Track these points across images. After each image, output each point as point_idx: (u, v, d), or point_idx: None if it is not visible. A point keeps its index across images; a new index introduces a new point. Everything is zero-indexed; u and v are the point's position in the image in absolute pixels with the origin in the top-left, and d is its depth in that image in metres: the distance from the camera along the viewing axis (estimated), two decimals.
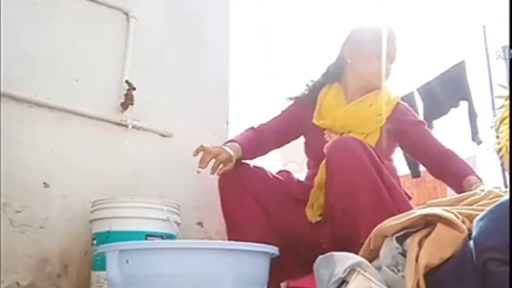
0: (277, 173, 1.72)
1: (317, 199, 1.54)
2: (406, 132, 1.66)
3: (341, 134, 1.64)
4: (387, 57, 1.65)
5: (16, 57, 1.69)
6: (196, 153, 1.54)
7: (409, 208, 1.32)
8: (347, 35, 1.76)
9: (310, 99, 1.77)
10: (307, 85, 1.81)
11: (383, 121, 1.63)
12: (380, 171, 1.37)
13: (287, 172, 1.74)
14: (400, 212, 1.15)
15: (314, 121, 1.71)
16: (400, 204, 1.34)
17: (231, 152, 1.54)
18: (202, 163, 1.52)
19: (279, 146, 1.83)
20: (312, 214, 1.54)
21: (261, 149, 1.74)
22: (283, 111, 1.82)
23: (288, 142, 1.83)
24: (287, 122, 1.78)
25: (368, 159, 1.36)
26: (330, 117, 1.68)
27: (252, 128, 1.77)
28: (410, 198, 1.51)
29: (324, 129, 1.68)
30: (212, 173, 1.53)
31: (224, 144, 1.64)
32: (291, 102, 1.82)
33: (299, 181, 1.68)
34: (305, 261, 1.23)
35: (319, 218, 1.53)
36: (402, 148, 1.73)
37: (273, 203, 1.61)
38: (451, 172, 1.53)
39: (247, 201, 1.58)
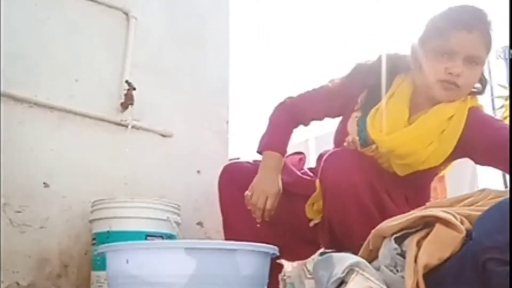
0: (289, 156, 1.61)
1: (317, 200, 1.51)
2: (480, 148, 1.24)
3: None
4: (466, 47, 1.20)
5: (16, 57, 1.70)
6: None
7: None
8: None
9: (374, 99, 1.37)
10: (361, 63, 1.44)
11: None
12: (376, 195, 1.24)
13: (299, 155, 1.64)
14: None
15: (368, 128, 1.33)
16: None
17: (279, 187, 1.42)
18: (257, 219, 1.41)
19: (320, 117, 1.55)
20: (311, 213, 1.50)
21: (305, 118, 1.53)
22: (329, 86, 1.47)
23: (331, 117, 1.54)
24: (332, 105, 1.46)
25: (362, 181, 1.22)
26: (378, 138, 1.30)
27: (291, 112, 1.51)
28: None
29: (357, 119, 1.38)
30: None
31: (263, 149, 1.48)
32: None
33: (301, 175, 1.56)
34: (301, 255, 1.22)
35: (317, 220, 1.50)
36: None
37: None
38: None
39: (246, 211, 1.56)
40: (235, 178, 1.57)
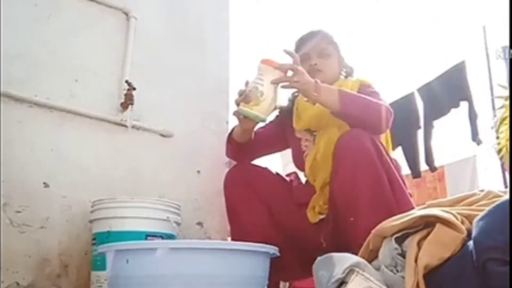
0: (286, 175, 1.74)
1: (318, 201, 1.55)
2: None
3: (313, 133, 1.63)
4: (313, 49, 1.67)
5: (16, 57, 1.70)
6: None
7: (411, 207, 1.31)
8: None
9: (291, 108, 1.75)
10: (292, 94, 1.78)
11: None
12: (387, 166, 1.38)
13: (295, 173, 1.75)
14: (401, 211, 1.15)
15: (294, 124, 1.69)
16: (401, 202, 1.34)
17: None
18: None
19: (268, 153, 1.81)
20: (313, 216, 1.55)
21: (252, 151, 1.71)
22: (270, 121, 1.78)
23: (276, 150, 1.83)
24: (273, 131, 1.76)
25: (375, 152, 1.36)
26: (306, 116, 1.65)
27: None
28: (411, 196, 1.52)
29: (300, 139, 1.67)
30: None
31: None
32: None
33: (299, 184, 1.68)
34: (307, 262, 1.23)
35: (321, 216, 1.54)
36: None
37: (277, 204, 1.62)
38: None
39: (252, 201, 1.58)
40: (240, 178, 1.59)
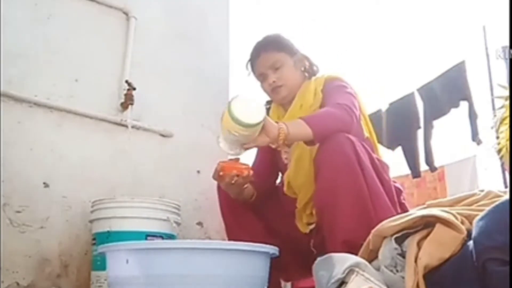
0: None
1: (304, 210, 1.55)
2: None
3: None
4: (265, 66, 1.60)
5: (16, 57, 1.70)
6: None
7: (389, 213, 1.27)
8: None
9: None
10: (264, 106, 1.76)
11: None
12: (367, 172, 1.35)
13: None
14: (379, 218, 1.15)
15: None
16: (378, 209, 1.31)
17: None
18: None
19: (274, 181, 1.73)
20: (303, 227, 1.56)
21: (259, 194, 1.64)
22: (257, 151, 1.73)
23: (279, 172, 1.72)
24: (264, 160, 1.68)
25: (355, 158, 1.34)
26: None
27: None
28: (401, 191, 1.51)
29: (280, 151, 1.59)
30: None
31: None
32: None
33: (284, 194, 1.64)
34: (306, 263, 1.23)
35: (311, 227, 1.54)
36: None
37: (269, 211, 1.63)
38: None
39: (243, 211, 1.58)
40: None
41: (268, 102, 1.72)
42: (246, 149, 1.38)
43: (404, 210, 1.43)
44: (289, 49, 1.64)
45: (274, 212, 1.63)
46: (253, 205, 1.60)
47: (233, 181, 1.41)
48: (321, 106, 1.55)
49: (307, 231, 1.54)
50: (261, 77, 1.63)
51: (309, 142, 1.43)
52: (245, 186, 1.48)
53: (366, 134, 1.57)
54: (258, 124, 1.28)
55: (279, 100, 1.64)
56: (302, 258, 1.48)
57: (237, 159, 1.45)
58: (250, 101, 1.30)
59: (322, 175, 1.37)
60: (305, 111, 1.55)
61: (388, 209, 1.34)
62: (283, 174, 1.64)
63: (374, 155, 1.45)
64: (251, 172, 1.42)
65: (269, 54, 1.61)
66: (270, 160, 1.68)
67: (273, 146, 1.38)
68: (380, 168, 1.43)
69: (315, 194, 1.42)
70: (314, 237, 1.51)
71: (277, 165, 1.69)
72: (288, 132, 1.34)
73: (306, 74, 1.65)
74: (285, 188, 1.58)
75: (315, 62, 1.68)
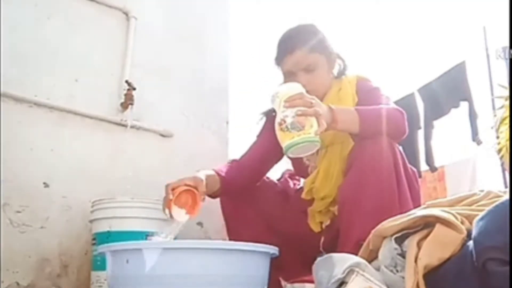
0: (283, 173, 1.71)
1: (316, 210, 1.52)
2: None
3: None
4: (297, 66, 1.47)
5: (16, 57, 1.70)
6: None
7: None
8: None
9: None
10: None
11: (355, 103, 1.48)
12: (399, 178, 1.31)
13: (290, 173, 1.72)
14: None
15: None
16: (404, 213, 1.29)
17: (203, 180, 1.38)
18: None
19: (267, 171, 1.65)
20: (315, 226, 1.53)
21: (246, 180, 1.57)
22: (258, 134, 1.64)
23: (275, 162, 1.64)
24: (267, 144, 1.55)
25: (393, 161, 1.30)
26: None
27: (234, 160, 1.61)
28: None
29: None
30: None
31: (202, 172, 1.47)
32: (264, 120, 1.64)
33: (297, 191, 1.63)
34: (307, 263, 1.23)
35: (323, 225, 1.52)
36: None
37: (274, 211, 1.60)
38: None
39: (247, 205, 1.57)
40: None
41: None
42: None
43: None
44: (326, 49, 1.51)
45: (279, 211, 1.60)
46: (255, 202, 1.58)
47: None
48: None
49: (319, 229, 1.52)
50: (290, 75, 1.49)
51: (352, 135, 1.38)
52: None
53: None
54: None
55: (319, 91, 1.49)
56: (307, 258, 1.47)
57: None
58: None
59: (354, 172, 1.32)
60: (343, 95, 1.50)
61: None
62: (299, 174, 1.60)
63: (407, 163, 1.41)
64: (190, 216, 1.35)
65: (304, 53, 1.47)
66: (270, 149, 1.54)
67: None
68: (412, 177, 1.40)
69: (341, 189, 1.36)
70: (325, 235, 1.48)
71: (277, 156, 1.59)
72: (336, 120, 1.26)
73: (336, 74, 1.57)
74: (304, 194, 1.52)
75: (345, 60, 1.58)
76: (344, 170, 1.40)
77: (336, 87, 1.53)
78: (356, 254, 1.06)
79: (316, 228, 1.53)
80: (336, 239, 1.36)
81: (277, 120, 1.23)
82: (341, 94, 1.51)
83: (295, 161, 1.61)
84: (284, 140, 1.20)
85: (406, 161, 1.39)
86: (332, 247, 1.35)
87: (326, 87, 1.52)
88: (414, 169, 1.48)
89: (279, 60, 1.52)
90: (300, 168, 1.59)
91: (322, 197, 1.49)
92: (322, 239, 1.49)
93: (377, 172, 1.28)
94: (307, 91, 1.34)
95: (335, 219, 1.47)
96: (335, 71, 1.56)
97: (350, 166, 1.35)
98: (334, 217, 1.48)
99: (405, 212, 1.28)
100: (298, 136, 1.18)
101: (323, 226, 1.52)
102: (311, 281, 1.12)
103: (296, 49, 1.47)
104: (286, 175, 1.73)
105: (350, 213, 1.31)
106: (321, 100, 1.41)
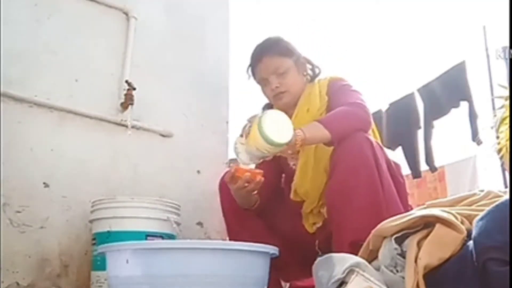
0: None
1: (311, 212, 1.54)
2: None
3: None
4: (267, 72, 1.57)
5: (16, 57, 1.70)
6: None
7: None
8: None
9: None
10: (262, 109, 1.71)
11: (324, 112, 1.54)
12: (382, 172, 1.34)
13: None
14: (390, 214, 1.14)
15: None
16: (390, 210, 1.28)
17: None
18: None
19: (277, 187, 1.70)
20: (310, 227, 1.55)
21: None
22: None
23: (282, 178, 1.71)
24: (269, 166, 1.58)
25: (373, 158, 1.33)
26: None
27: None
28: (406, 199, 1.50)
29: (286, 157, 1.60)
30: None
31: None
32: None
33: (289, 194, 1.62)
34: (307, 263, 1.23)
35: (317, 225, 1.53)
36: None
37: (273, 212, 1.62)
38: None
39: (245, 211, 1.57)
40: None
41: (267, 106, 1.71)
42: (263, 158, 1.37)
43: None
44: (291, 53, 1.60)
45: (277, 212, 1.62)
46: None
47: (245, 185, 1.39)
48: (328, 109, 1.54)
49: (314, 230, 1.54)
50: (263, 82, 1.60)
51: (328, 143, 1.42)
52: (254, 192, 1.45)
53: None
54: (289, 142, 1.29)
55: (281, 106, 1.58)
56: (305, 258, 1.47)
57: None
58: (279, 119, 1.31)
59: (338, 173, 1.35)
60: (312, 114, 1.54)
61: (400, 212, 1.33)
62: (290, 179, 1.62)
63: (390, 157, 1.44)
64: (263, 179, 1.40)
65: (271, 58, 1.57)
66: (275, 167, 1.64)
67: (289, 152, 1.38)
68: (395, 170, 1.43)
69: (327, 192, 1.40)
70: (319, 236, 1.50)
71: (282, 171, 1.68)
72: (305, 137, 1.32)
73: (308, 77, 1.64)
74: (291, 195, 1.56)
75: (316, 64, 1.66)
76: (323, 166, 1.46)
77: (307, 91, 1.61)
78: (353, 254, 1.06)
79: (310, 229, 1.55)
80: (330, 240, 1.38)
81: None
82: (311, 97, 1.59)
83: (285, 165, 1.65)
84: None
85: (388, 156, 1.43)
86: (327, 248, 1.36)
87: (300, 89, 1.61)
88: (398, 163, 1.51)
89: (252, 71, 1.64)
90: (289, 171, 1.63)
91: (304, 193, 1.52)
92: (317, 240, 1.51)
93: (359, 171, 1.31)
94: (280, 93, 1.56)
95: (326, 221, 1.48)
96: (308, 76, 1.64)
97: (333, 168, 1.38)
98: (325, 218, 1.50)
99: (392, 207, 1.31)
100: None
101: (316, 227, 1.53)
102: (311, 287, 1.13)
103: (263, 56, 1.59)
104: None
105: (338, 215, 1.34)
106: (294, 104, 1.59)
